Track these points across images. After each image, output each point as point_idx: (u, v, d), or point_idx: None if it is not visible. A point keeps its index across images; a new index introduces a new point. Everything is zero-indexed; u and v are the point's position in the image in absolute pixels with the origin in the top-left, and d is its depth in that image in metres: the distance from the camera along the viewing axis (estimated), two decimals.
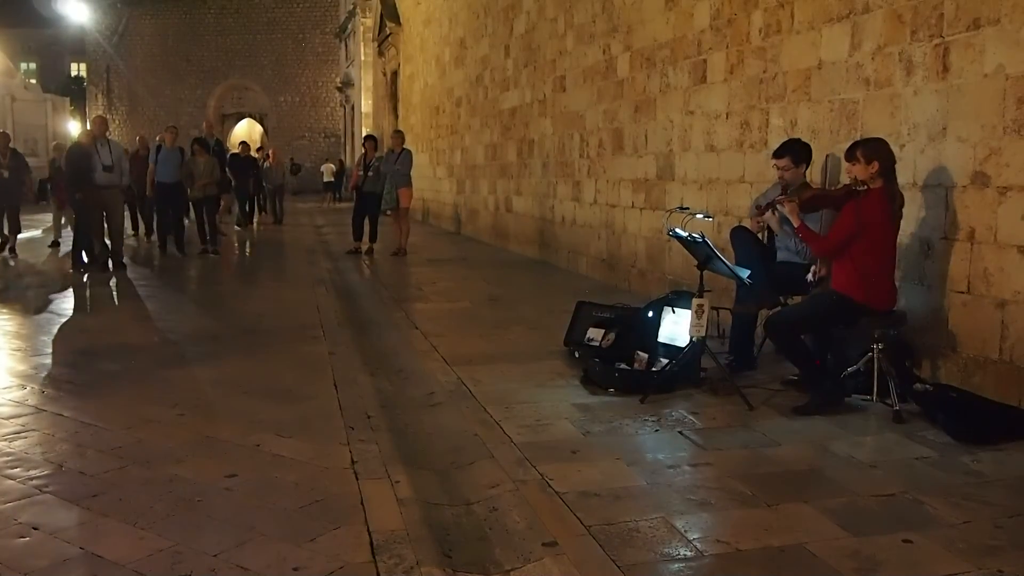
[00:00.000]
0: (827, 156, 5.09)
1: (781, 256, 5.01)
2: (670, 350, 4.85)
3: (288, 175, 23.73)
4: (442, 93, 17.26)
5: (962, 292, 4.40)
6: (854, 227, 4.13)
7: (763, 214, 4.82)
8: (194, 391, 4.82)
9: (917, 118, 4.65)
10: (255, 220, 18.47)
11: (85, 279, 9.61)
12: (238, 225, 17.38)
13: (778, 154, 4.93)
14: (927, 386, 4.28)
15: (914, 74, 4.66)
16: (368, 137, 12.89)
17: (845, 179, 4.55)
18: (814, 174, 5.22)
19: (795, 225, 4.40)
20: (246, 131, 40.78)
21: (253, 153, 20.06)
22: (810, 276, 4.66)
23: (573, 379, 4.90)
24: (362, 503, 3.16)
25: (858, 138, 4.88)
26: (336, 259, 11.82)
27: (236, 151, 18.21)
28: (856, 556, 2.68)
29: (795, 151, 4.88)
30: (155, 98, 41.42)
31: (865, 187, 4.15)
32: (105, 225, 10.02)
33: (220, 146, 14.69)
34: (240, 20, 41.50)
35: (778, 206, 4.58)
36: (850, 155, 4.22)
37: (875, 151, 4.16)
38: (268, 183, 19.31)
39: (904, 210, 4.29)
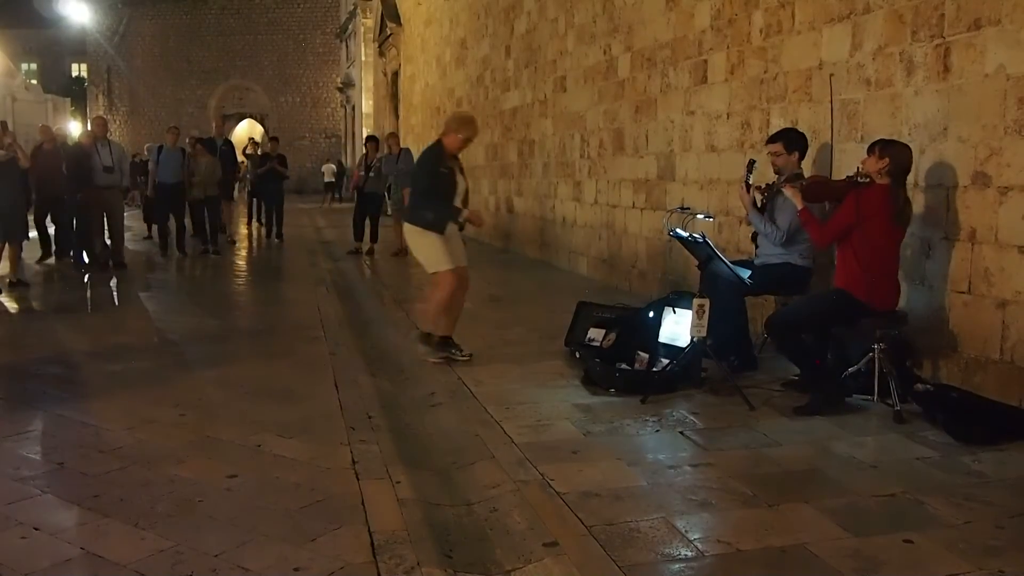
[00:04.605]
0: (828, 149, 5.08)
1: (760, 260, 4.99)
2: (671, 350, 4.85)
3: None
4: (443, 93, 17.25)
5: (963, 292, 4.40)
6: (853, 217, 4.14)
7: (764, 194, 4.81)
8: (195, 391, 4.82)
9: (918, 118, 4.64)
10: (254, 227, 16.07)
11: (85, 279, 9.61)
12: (277, 237, 14.45)
13: (772, 139, 4.99)
14: (928, 386, 4.27)
15: (915, 74, 4.66)
16: (370, 138, 12.90)
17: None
18: (815, 171, 5.21)
19: (798, 208, 4.41)
20: (247, 132, 40.75)
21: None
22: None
23: (574, 379, 4.90)
24: (363, 503, 3.16)
25: (860, 138, 4.89)
26: (337, 259, 11.82)
27: (267, 150, 15.07)
28: (857, 556, 2.68)
29: (788, 138, 4.93)
30: (156, 99, 41.41)
31: (868, 180, 4.16)
32: (105, 225, 10.04)
33: (229, 146, 14.21)
34: (241, 21, 41.49)
35: (783, 189, 4.59)
36: (870, 148, 4.24)
37: (891, 150, 4.16)
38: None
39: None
